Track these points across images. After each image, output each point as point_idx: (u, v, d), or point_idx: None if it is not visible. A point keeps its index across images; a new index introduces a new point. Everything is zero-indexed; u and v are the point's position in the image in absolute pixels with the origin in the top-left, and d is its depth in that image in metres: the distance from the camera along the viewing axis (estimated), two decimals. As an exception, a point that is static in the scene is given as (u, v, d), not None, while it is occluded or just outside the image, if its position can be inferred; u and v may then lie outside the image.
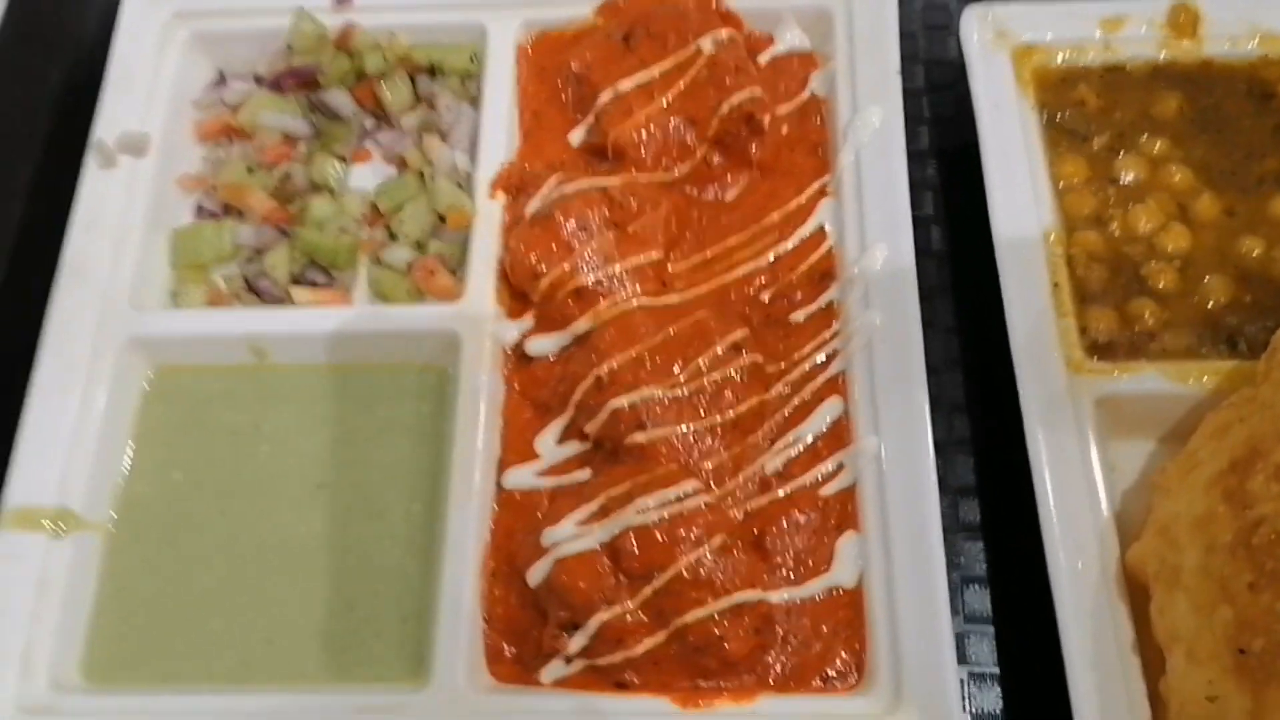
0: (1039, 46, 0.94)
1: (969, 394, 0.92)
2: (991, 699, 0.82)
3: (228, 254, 0.96)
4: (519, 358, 0.89)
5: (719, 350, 0.84)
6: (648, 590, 0.75)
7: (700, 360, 0.83)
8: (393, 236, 0.96)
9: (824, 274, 0.90)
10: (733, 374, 0.83)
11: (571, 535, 0.78)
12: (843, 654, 0.78)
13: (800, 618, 0.79)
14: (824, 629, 0.79)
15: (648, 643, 0.76)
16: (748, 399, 0.83)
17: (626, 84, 0.93)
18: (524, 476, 0.85)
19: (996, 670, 0.82)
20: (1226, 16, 0.94)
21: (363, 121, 1.02)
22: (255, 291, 0.95)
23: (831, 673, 0.78)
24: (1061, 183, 0.90)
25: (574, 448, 0.85)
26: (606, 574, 0.76)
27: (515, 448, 0.86)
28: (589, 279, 0.86)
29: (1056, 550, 0.76)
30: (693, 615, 0.75)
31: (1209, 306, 0.85)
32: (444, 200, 0.95)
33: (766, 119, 0.94)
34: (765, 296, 0.90)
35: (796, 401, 0.86)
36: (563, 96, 0.98)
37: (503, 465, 0.86)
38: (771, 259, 0.91)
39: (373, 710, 0.77)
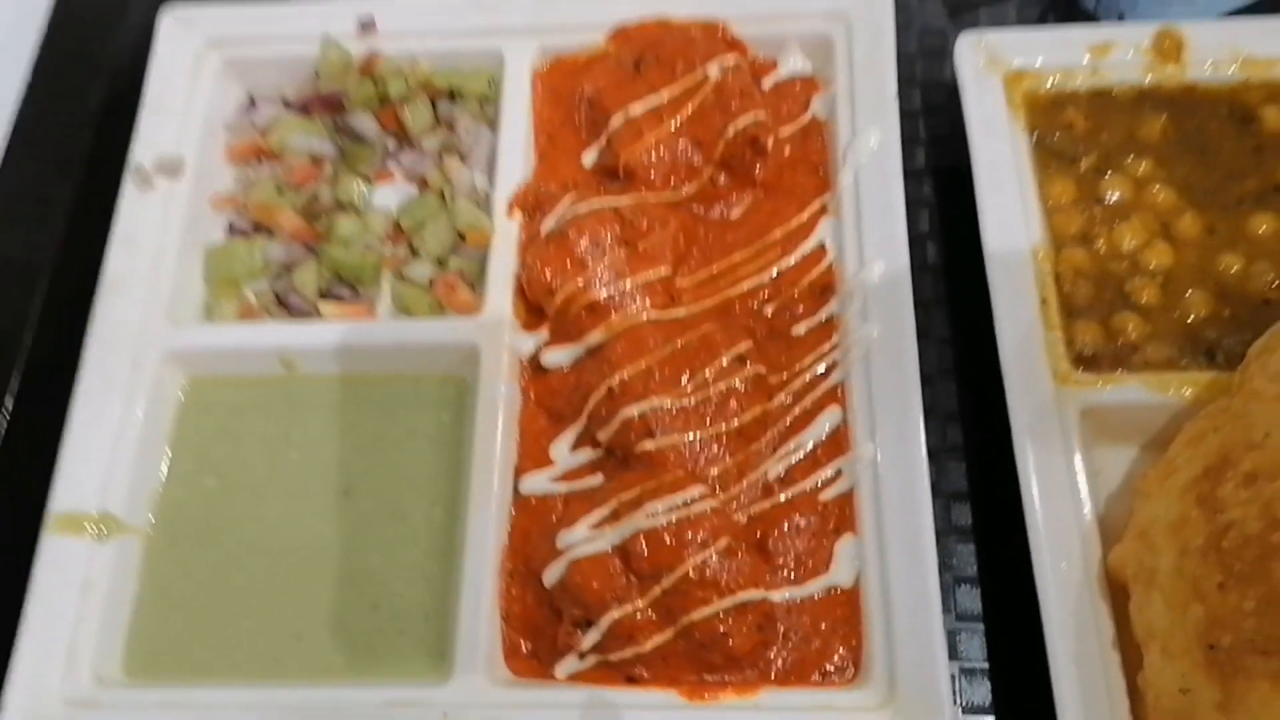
0: (1029, 72, 0.94)
1: (962, 403, 0.92)
2: (981, 692, 0.82)
3: (258, 270, 0.97)
4: (535, 369, 0.90)
5: (724, 362, 0.84)
6: (657, 590, 0.76)
7: (706, 371, 0.84)
8: (415, 253, 0.96)
9: (824, 288, 0.90)
10: (737, 384, 0.84)
11: (585, 538, 0.79)
12: (841, 650, 0.79)
13: (800, 615, 0.80)
14: (823, 626, 0.79)
15: (657, 639, 0.77)
16: (751, 408, 0.84)
17: (637, 108, 0.93)
18: (540, 482, 0.86)
19: (986, 665, 0.83)
20: (1209, 42, 0.93)
21: (386, 143, 1.02)
22: (285, 306, 0.96)
23: (830, 667, 0.78)
24: (1050, 202, 0.90)
25: (587, 455, 0.86)
26: (618, 574, 0.78)
27: (531, 455, 0.87)
28: (601, 294, 0.87)
29: (1042, 552, 0.77)
30: (699, 613, 0.76)
31: (1189, 320, 0.85)
32: (464, 219, 0.95)
33: (770, 141, 0.94)
34: (768, 310, 0.91)
35: (797, 410, 0.86)
36: (576, 120, 0.98)
37: (519, 471, 0.86)
38: (774, 274, 0.91)
39: (397, 704, 0.78)
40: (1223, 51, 0.93)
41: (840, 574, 0.80)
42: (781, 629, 0.80)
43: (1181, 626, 0.68)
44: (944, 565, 0.82)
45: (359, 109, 1.02)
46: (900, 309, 0.86)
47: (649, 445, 0.82)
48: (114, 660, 0.84)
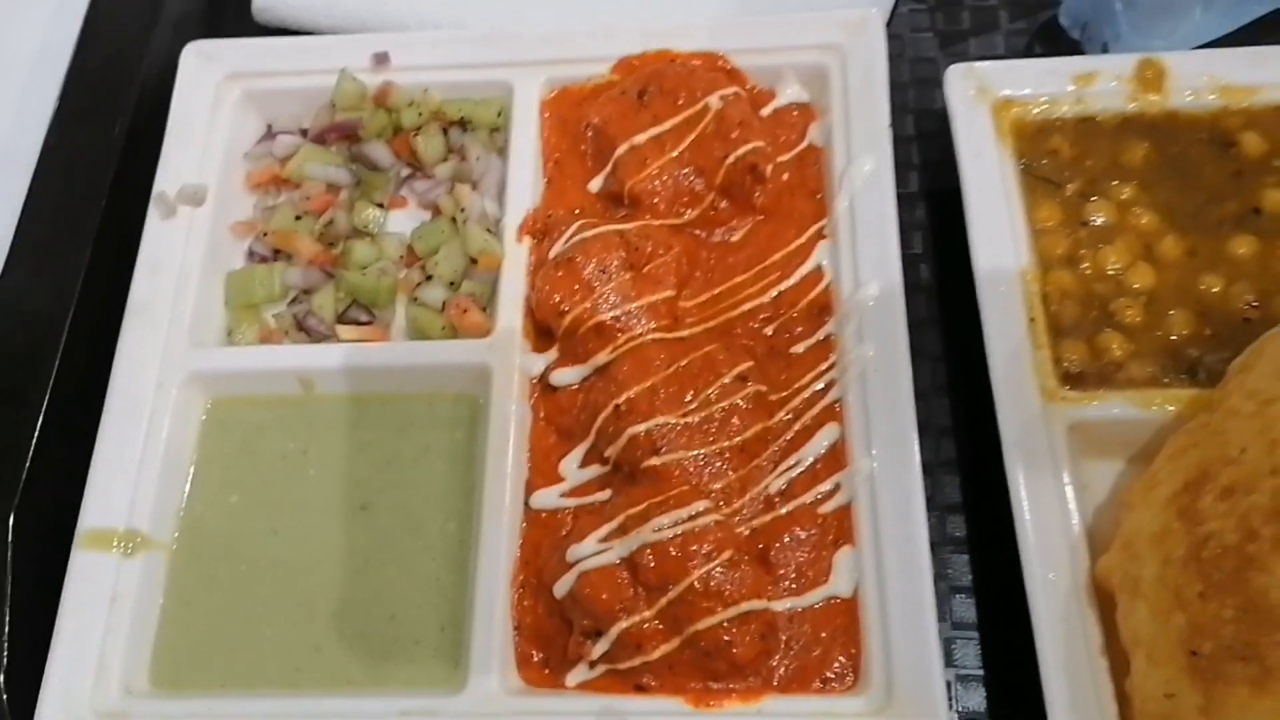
0: (1016, 100, 0.95)
1: (955, 418, 0.93)
2: (976, 699, 0.83)
3: (278, 295, 0.99)
4: (544, 388, 0.91)
5: (726, 380, 0.86)
6: (663, 601, 0.78)
7: (709, 390, 0.85)
8: (428, 277, 0.97)
9: (822, 309, 0.91)
10: (739, 402, 0.85)
11: (594, 551, 0.80)
12: (840, 658, 0.80)
13: (801, 625, 0.80)
14: (823, 635, 0.80)
15: (663, 648, 0.78)
16: (753, 425, 0.85)
17: (641, 137, 0.95)
18: (550, 497, 0.87)
19: (981, 672, 0.84)
20: (1189, 71, 0.94)
21: (400, 171, 1.03)
22: (303, 329, 0.97)
23: (830, 675, 0.79)
24: (1037, 225, 0.91)
25: (595, 471, 0.87)
26: (626, 586, 0.79)
27: (541, 471, 0.88)
28: (608, 316, 0.89)
29: (1032, 562, 0.78)
30: (704, 623, 0.77)
31: (1172, 339, 0.86)
32: (475, 244, 0.96)
33: (768, 168, 0.95)
34: (768, 330, 0.92)
35: (797, 427, 0.87)
36: (583, 148, 1.00)
37: (530, 487, 0.87)
38: (774, 295, 0.93)
39: (413, 713, 0.79)
40: (1203, 80, 0.94)
41: (839, 584, 0.81)
42: (783, 638, 0.81)
43: (1165, 634, 0.70)
44: (939, 575, 0.83)
45: (374, 138, 1.03)
46: (894, 328, 0.87)
47: (655, 461, 0.83)
48: (141, 671, 0.85)
